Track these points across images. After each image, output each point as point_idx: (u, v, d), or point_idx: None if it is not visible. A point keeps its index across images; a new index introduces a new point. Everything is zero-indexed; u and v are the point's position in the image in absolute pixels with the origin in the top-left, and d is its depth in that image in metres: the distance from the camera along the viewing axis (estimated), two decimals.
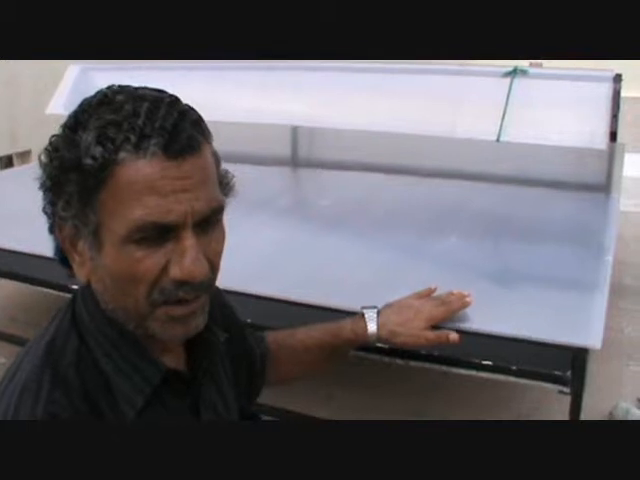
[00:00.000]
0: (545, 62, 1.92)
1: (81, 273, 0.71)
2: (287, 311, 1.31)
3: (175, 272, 0.66)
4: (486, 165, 2.52)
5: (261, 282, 1.41)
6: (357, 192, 2.25)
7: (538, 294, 1.37)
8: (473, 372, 1.13)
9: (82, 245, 0.68)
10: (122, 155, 0.63)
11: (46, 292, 1.51)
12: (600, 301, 1.29)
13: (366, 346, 1.08)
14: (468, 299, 1.10)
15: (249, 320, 1.14)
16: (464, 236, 1.74)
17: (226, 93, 2.57)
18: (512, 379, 1.12)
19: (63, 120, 0.68)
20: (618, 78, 2.08)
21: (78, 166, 0.64)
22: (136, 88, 0.68)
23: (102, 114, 0.64)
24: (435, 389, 2.00)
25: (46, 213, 0.70)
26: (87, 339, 0.71)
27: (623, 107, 2.16)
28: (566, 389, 1.09)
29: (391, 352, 1.14)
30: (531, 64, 2.14)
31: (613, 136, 2.12)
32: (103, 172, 0.63)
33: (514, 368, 1.11)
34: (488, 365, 1.12)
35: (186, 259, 0.65)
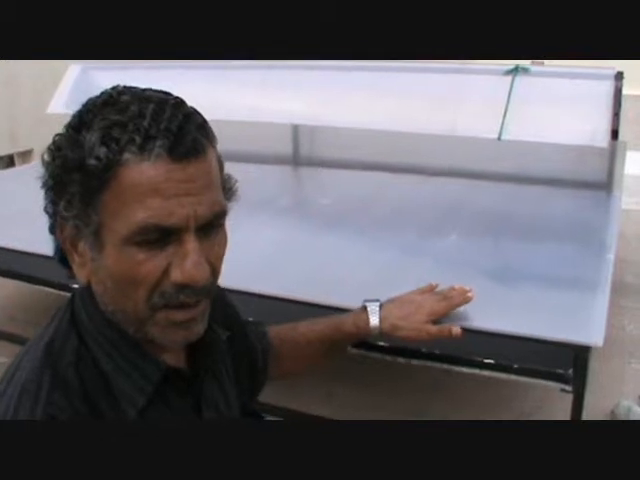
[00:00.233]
0: (546, 62, 1.91)
1: (81, 274, 0.70)
2: (289, 310, 1.31)
3: (176, 275, 0.65)
4: (487, 163, 2.52)
5: (263, 281, 1.42)
6: (358, 191, 2.25)
7: (540, 292, 1.37)
8: (475, 370, 1.14)
9: (83, 246, 0.68)
10: (126, 156, 0.63)
11: (46, 291, 1.51)
12: (602, 299, 1.29)
13: (368, 340, 1.08)
14: (470, 294, 1.10)
15: (250, 319, 1.14)
16: (465, 234, 1.74)
17: (227, 92, 2.57)
18: (514, 377, 1.12)
19: (63, 119, 0.68)
20: (619, 76, 2.08)
21: (81, 166, 0.64)
22: (141, 89, 0.68)
23: (107, 114, 0.64)
24: (437, 387, 2.00)
25: (47, 212, 0.70)
26: (86, 339, 0.70)
27: (624, 105, 2.17)
28: (568, 387, 1.09)
29: (393, 350, 1.14)
30: (532, 63, 2.13)
31: (614, 134, 2.13)
32: (107, 173, 0.63)
33: (516, 366, 1.11)
34: (490, 363, 1.13)
35: (188, 262, 0.65)
